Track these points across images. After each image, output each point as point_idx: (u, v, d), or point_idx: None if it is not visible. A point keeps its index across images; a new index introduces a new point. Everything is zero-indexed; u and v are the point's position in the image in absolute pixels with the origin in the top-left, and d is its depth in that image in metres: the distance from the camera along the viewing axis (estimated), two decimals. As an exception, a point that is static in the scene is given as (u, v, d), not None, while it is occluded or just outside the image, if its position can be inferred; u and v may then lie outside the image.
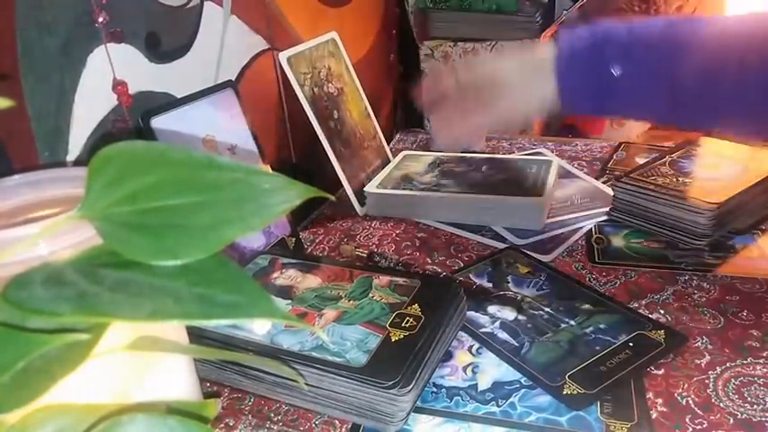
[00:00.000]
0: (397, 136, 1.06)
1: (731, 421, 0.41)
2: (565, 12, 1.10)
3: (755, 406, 0.42)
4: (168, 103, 0.58)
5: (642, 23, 0.54)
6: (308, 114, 0.71)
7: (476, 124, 0.61)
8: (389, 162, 0.83)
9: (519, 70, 0.57)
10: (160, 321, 0.22)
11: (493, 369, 0.48)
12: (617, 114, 0.64)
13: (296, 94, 0.71)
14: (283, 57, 0.70)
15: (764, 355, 0.47)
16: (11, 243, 0.27)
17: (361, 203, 0.75)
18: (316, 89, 0.74)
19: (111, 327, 0.24)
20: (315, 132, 0.72)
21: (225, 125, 0.63)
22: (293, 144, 0.82)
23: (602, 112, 0.61)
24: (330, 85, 0.76)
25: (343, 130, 0.76)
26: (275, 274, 0.55)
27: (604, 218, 0.70)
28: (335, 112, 0.76)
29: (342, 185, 0.74)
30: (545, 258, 0.63)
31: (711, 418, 0.42)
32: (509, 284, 0.59)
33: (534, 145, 0.94)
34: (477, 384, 0.46)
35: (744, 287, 0.56)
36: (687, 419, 0.42)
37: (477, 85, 0.59)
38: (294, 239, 0.68)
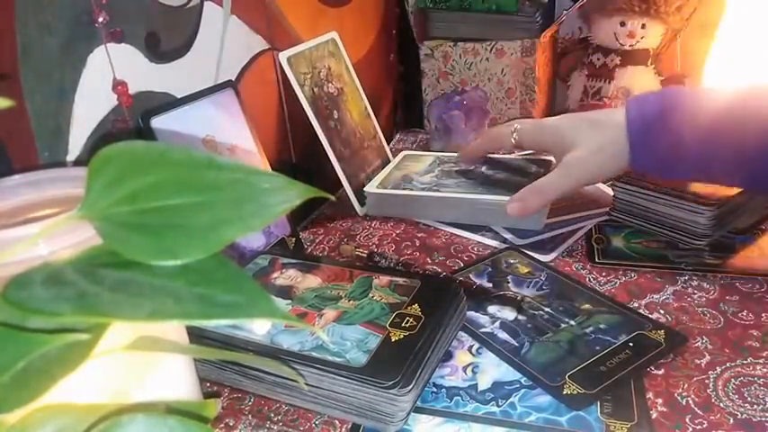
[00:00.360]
0: (397, 136, 1.06)
1: (731, 421, 0.41)
2: (565, 12, 1.10)
3: (755, 406, 0.42)
4: (168, 103, 0.58)
5: (710, 90, 0.54)
6: (308, 114, 0.71)
7: (551, 191, 0.60)
8: (389, 162, 0.83)
9: (593, 133, 0.57)
10: (160, 321, 0.22)
11: (493, 369, 0.48)
12: (687, 178, 0.63)
13: (296, 94, 0.70)
14: (283, 57, 0.70)
15: (764, 355, 0.47)
16: (11, 243, 0.27)
17: (361, 203, 0.75)
18: (316, 89, 0.73)
19: (111, 327, 0.24)
20: (315, 132, 0.72)
21: (225, 125, 0.63)
22: (293, 144, 0.82)
23: (671, 176, 0.59)
24: (330, 85, 0.76)
25: (343, 130, 0.76)
26: (275, 274, 0.55)
27: (604, 218, 0.70)
28: (335, 112, 0.75)
29: (342, 185, 0.74)
30: (545, 258, 0.63)
31: (711, 418, 0.42)
32: (509, 284, 0.59)
33: (534, 145, 0.94)
34: (477, 384, 0.46)
35: (744, 287, 0.56)
36: (687, 419, 0.42)
37: (546, 147, 0.62)
38: (294, 239, 0.68)
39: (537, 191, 0.60)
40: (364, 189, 0.75)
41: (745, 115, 0.51)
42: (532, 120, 0.62)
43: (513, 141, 0.64)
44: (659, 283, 0.57)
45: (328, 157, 0.73)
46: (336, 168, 0.72)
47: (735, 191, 0.62)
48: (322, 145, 0.72)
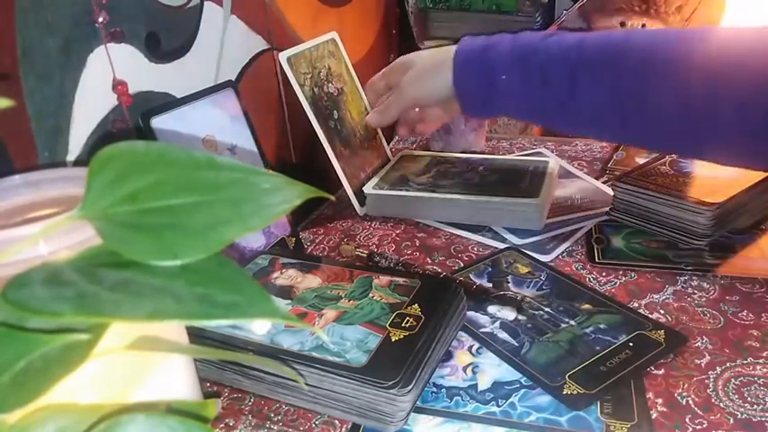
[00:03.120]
0: (397, 136, 1.06)
1: (731, 421, 0.41)
2: (565, 11, 1.10)
3: (755, 406, 0.42)
4: (168, 102, 0.58)
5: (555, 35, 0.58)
6: (308, 114, 0.70)
7: (396, 104, 0.69)
8: (389, 162, 0.83)
9: (429, 58, 0.66)
10: (160, 321, 0.22)
11: (493, 369, 0.48)
12: (503, 115, 0.73)
13: (296, 94, 0.70)
14: (283, 57, 0.70)
15: (764, 355, 0.47)
16: (11, 243, 0.27)
17: (361, 203, 0.75)
18: (316, 89, 0.73)
19: (110, 327, 0.24)
20: (315, 132, 0.72)
21: (225, 125, 0.63)
22: (293, 144, 0.82)
23: (491, 113, 0.67)
24: (330, 85, 0.76)
25: (343, 129, 0.76)
26: (275, 274, 0.55)
27: (604, 218, 0.70)
28: (335, 111, 0.75)
29: (342, 185, 0.74)
30: (545, 258, 0.63)
31: (711, 418, 0.42)
32: (509, 284, 0.59)
33: (534, 145, 0.94)
34: (477, 384, 0.46)
35: (744, 287, 0.56)
36: (687, 419, 0.42)
37: (399, 70, 0.69)
38: (294, 239, 0.68)
39: (382, 110, 0.72)
40: (363, 190, 0.75)
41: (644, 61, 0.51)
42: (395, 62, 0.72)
43: (384, 82, 0.73)
44: (659, 283, 0.57)
45: (328, 157, 0.73)
46: (336, 168, 0.72)
47: (735, 191, 0.62)
48: (322, 145, 0.72)
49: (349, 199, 0.75)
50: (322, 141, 0.71)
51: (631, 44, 0.52)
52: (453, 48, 0.62)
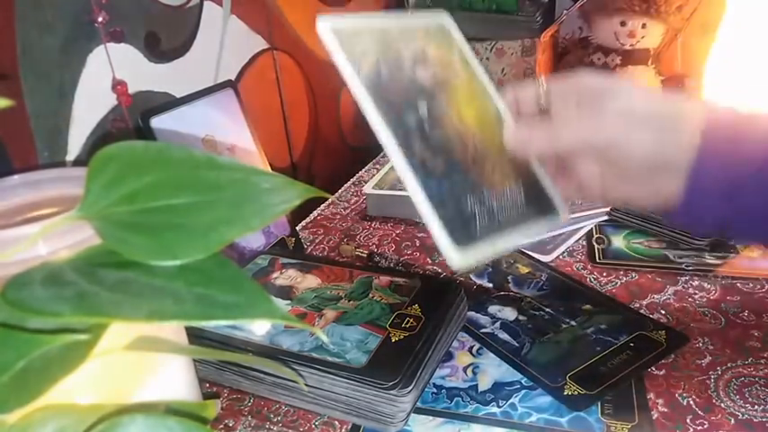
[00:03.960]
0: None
1: (732, 422, 0.41)
2: (565, 11, 1.10)
3: (756, 406, 0.42)
4: (168, 102, 0.58)
5: None
6: (360, 100, 0.40)
7: (563, 136, 0.43)
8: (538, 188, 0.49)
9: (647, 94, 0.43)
10: (159, 322, 0.22)
11: (493, 370, 0.48)
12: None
13: (345, 78, 0.40)
14: (326, 25, 0.39)
15: (765, 355, 0.47)
16: (10, 243, 0.27)
17: (459, 244, 0.40)
18: (385, 71, 0.43)
19: (110, 327, 0.24)
20: (371, 124, 0.40)
21: (225, 125, 0.63)
22: (293, 144, 0.82)
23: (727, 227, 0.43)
24: (422, 71, 0.45)
25: (437, 131, 0.43)
26: (275, 275, 0.55)
27: (605, 218, 0.70)
28: (423, 104, 0.44)
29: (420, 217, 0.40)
30: (545, 258, 0.63)
31: (712, 418, 0.42)
32: (509, 285, 0.59)
33: (534, 145, 0.94)
34: (477, 385, 0.46)
35: (745, 287, 0.56)
36: (688, 420, 0.42)
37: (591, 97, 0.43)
38: (294, 239, 0.68)
39: (546, 127, 0.44)
40: (364, 190, 0.75)
41: None
42: (560, 80, 0.47)
43: (542, 106, 0.46)
44: (660, 284, 0.57)
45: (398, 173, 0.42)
46: (410, 186, 0.40)
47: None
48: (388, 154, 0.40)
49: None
50: (383, 142, 0.40)
51: None
52: (692, 125, 0.40)
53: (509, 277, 0.60)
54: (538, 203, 0.45)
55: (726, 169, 0.40)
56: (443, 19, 0.47)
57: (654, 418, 0.42)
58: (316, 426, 0.44)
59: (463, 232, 0.40)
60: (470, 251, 0.39)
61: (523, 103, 0.47)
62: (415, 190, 0.40)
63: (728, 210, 0.41)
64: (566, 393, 0.44)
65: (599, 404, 0.43)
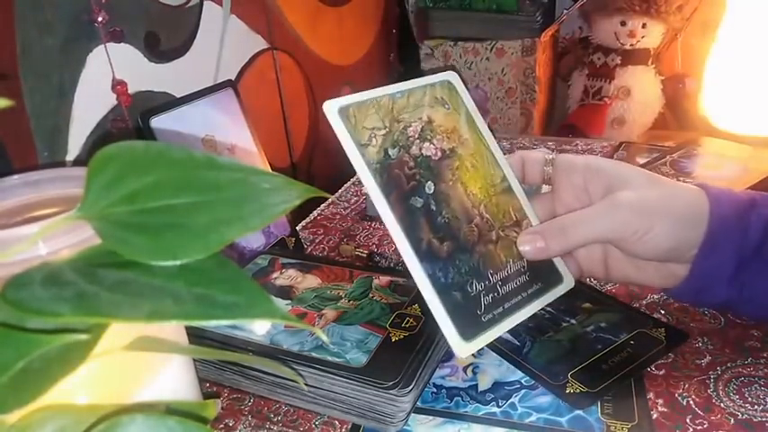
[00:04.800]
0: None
1: (732, 422, 0.41)
2: (565, 11, 1.10)
3: (756, 406, 0.42)
4: (168, 102, 0.58)
5: None
6: (366, 185, 0.40)
7: (579, 233, 0.42)
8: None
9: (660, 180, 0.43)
10: (159, 322, 0.22)
11: (493, 369, 0.48)
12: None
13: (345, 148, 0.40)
14: (333, 107, 0.40)
15: (765, 355, 0.47)
16: (10, 243, 0.27)
17: (465, 338, 0.40)
18: (392, 150, 0.42)
19: (110, 327, 0.24)
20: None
21: (224, 125, 0.63)
22: (293, 144, 0.82)
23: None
24: (428, 144, 0.44)
25: (443, 209, 0.43)
26: (275, 275, 0.55)
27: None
28: (430, 183, 0.43)
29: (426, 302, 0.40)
30: (545, 258, 0.63)
31: (712, 418, 0.42)
32: (509, 284, 0.58)
33: (535, 145, 0.94)
34: (477, 385, 0.46)
35: (744, 287, 0.56)
36: (688, 420, 0.42)
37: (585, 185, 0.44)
38: (294, 239, 0.68)
39: (559, 228, 0.43)
40: (363, 190, 0.75)
41: None
42: (569, 155, 0.46)
43: (546, 175, 0.47)
44: (660, 283, 0.57)
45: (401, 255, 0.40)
46: (416, 275, 0.40)
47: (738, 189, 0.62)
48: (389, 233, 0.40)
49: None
50: (389, 229, 0.40)
51: None
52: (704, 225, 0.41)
53: (509, 277, 0.60)
54: (543, 274, 0.45)
55: (731, 254, 0.41)
56: (451, 76, 0.47)
57: (653, 417, 0.42)
58: (316, 426, 0.44)
59: (469, 321, 0.40)
60: (476, 340, 0.40)
61: (529, 168, 0.47)
62: (421, 280, 0.39)
63: (733, 292, 0.42)
64: (567, 391, 0.44)
65: (599, 404, 0.43)
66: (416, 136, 0.44)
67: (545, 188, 0.49)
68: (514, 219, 0.45)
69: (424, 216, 0.41)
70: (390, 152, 0.42)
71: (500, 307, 0.42)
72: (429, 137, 0.44)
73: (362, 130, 0.41)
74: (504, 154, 0.47)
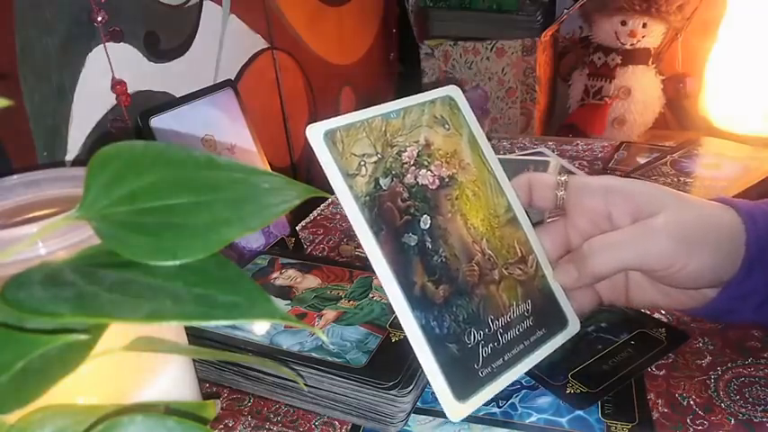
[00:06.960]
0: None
1: (732, 422, 0.41)
2: (565, 11, 1.10)
3: (757, 407, 0.42)
4: (167, 102, 0.58)
5: None
6: (353, 224, 0.37)
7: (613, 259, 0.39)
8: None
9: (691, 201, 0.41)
10: (159, 322, 0.22)
11: (493, 369, 0.48)
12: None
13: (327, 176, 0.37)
14: (317, 132, 0.36)
15: (765, 355, 0.47)
16: (9, 243, 0.27)
17: (459, 399, 0.38)
18: (383, 180, 0.38)
19: (110, 327, 0.24)
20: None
21: (224, 125, 0.63)
22: (293, 144, 0.82)
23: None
24: (425, 171, 0.40)
25: (439, 246, 0.39)
26: (275, 275, 0.55)
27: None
28: (426, 216, 0.39)
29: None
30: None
31: (712, 418, 0.42)
32: (509, 284, 0.58)
33: (535, 144, 0.94)
34: (477, 385, 0.46)
35: (745, 287, 0.56)
36: (688, 420, 0.42)
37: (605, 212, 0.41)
38: (294, 239, 0.68)
39: (592, 253, 0.40)
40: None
41: None
42: (583, 176, 0.42)
43: (559, 200, 0.43)
44: (660, 283, 0.57)
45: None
46: (407, 326, 0.37)
47: (736, 191, 0.62)
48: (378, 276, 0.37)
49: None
50: (377, 273, 0.37)
51: None
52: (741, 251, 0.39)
53: (509, 277, 0.60)
54: (547, 318, 0.42)
55: (765, 282, 0.39)
56: (452, 91, 0.43)
57: (654, 418, 0.42)
58: (316, 426, 0.44)
59: (464, 378, 0.36)
60: (471, 400, 0.36)
61: (539, 193, 0.43)
62: (412, 332, 0.35)
63: (758, 317, 0.41)
64: (568, 392, 0.44)
65: (599, 404, 0.43)
66: (412, 162, 0.39)
67: (548, 214, 0.46)
68: (519, 254, 0.41)
69: (419, 256, 0.37)
70: (382, 182, 0.37)
71: (500, 359, 0.38)
72: (426, 163, 0.40)
73: (351, 158, 0.37)
74: (505, 154, 0.44)
